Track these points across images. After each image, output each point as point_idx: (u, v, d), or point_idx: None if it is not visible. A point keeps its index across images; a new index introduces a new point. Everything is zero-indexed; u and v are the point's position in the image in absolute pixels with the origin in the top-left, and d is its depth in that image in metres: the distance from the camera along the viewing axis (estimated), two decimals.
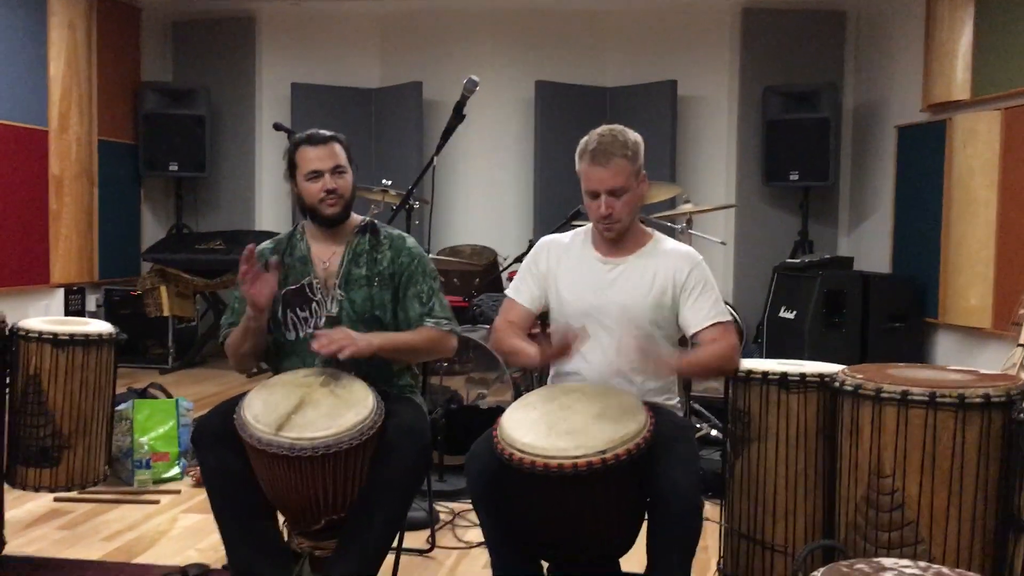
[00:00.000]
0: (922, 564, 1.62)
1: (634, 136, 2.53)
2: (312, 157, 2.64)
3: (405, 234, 2.79)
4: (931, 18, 5.59)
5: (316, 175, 2.64)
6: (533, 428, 2.22)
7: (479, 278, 5.71)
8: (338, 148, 2.68)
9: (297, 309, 2.68)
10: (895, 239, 6.12)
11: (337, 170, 2.66)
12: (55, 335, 3.05)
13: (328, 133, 2.69)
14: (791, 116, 6.54)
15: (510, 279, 3.41)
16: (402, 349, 2.63)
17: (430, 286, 2.70)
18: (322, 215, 2.67)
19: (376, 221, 2.81)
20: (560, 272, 2.61)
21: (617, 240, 2.57)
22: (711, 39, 7.05)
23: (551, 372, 2.68)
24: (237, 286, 2.75)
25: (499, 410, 2.42)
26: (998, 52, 5.00)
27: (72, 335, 3.08)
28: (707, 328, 2.48)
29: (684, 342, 2.63)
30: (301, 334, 2.67)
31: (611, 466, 2.11)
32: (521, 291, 2.67)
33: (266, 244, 2.80)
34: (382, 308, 2.67)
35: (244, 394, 2.48)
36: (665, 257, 2.56)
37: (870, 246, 6.56)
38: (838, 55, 6.88)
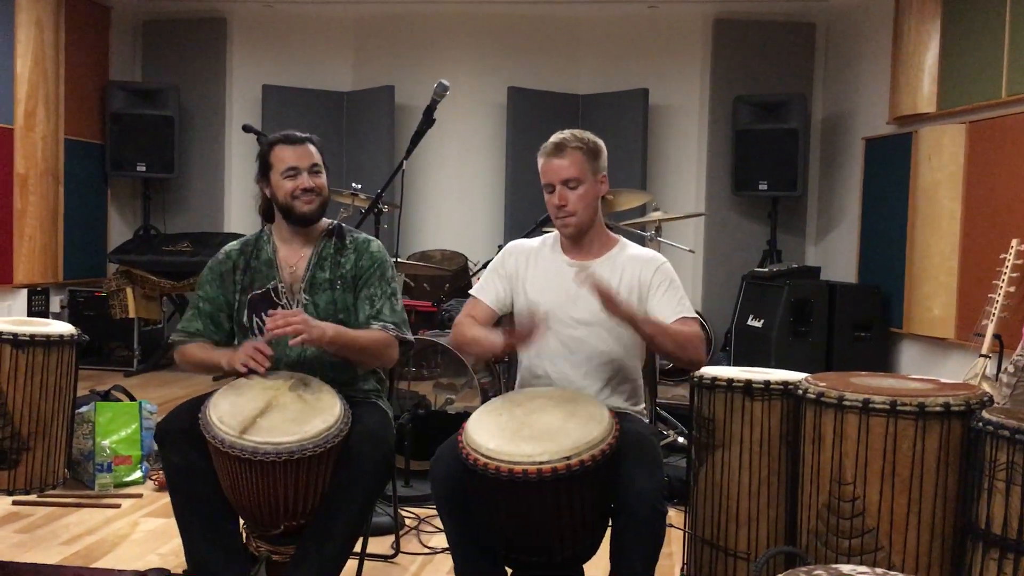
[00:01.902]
0: (879, 571, 1.64)
1: (594, 137, 2.59)
2: (289, 155, 2.65)
3: (371, 238, 2.78)
4: (898, 31, 5.67)
5: (294, 172, 2.64)
6: (498, 433, 2.22)
7: (449, 283, 5.70)
8: (313, 148, 2.69)
9: (263, 314, 2.65)
10: (861, 249, 6.19)
11: (314, 168, 2.67)
12: (15, 335, 3.00)
13: (303, 134, 2.70)
14: (760, 126, 6.60)
15: None
16: (352, 345, 2.59)
17: (383, 290, 2.67)
18: (297, 212, 2.66)
19: (344, 224, 2.80)
20: (528, 275, 2.63)
21: (578, 238, 2.60)
22: (683, 49, 7.11)
23: (517, 378, 2.69)
24: (201, 285, 2.73)
25: (466, 415, 2.41)
26: (964, 66, 5.08)
27: (32, 336, 3.04)
28: (676, 321, 2.50)
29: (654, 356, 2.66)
30: (266, 339, 2.65)
31: (576, 472, 2.11)
32: (486, 290, 2.67)
33: (233, 245, 2.78)
34: (345, 311, 2.66)
35: (212, 392, 2.46)
36: (630, 261, 2.59)
37: (837, 256, 6.63)
38: (807, 66, 6.95)
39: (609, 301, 2.34)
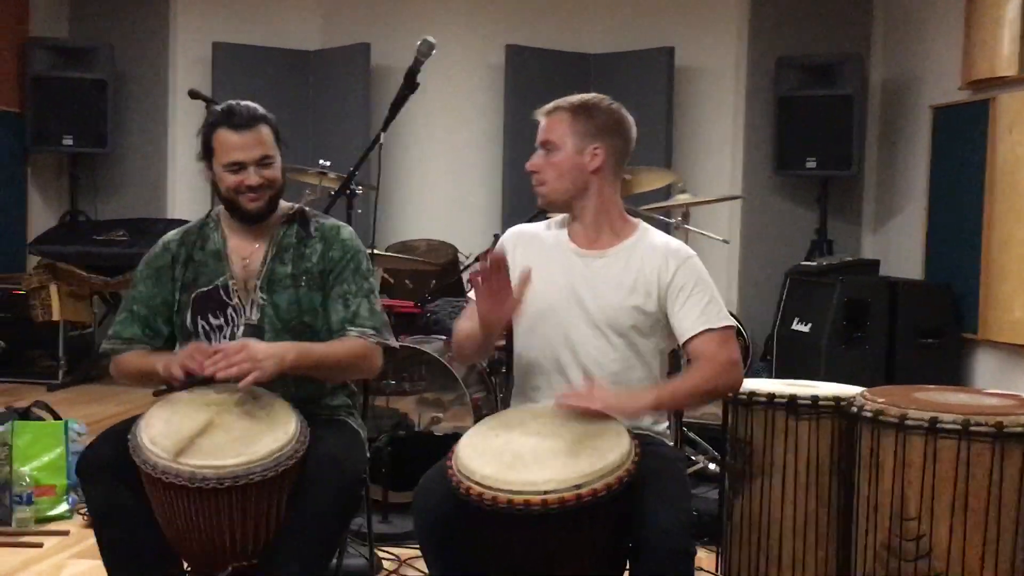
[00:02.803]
0: None
1: (611, 105, 2.61)
2: (234, 145, 2.60)
3: (341, 224, 2.78)
4: None
5: (238, 167, 2.61)
6: (495, 458, 2.23)
7: (436, 279, 5.70)
8: (265, 132, 2.63)
9: (210, 316, 2.65)
10: (929, 240, 6.19)
11: (264, 161, 2.63)
12: None
13: (253, 111, 2.63)
14: (808, 92, 6.59)
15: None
16: (322, 364, 2.59)
17: (359, 286, 2.68)
18: (243, 210, 2.66)
19: (307, 209, 2.80)
20: (528, 264, 2.63)
21: (548, 204, 2.64)
22: None
23: (512, 392, 2.69)
24: (135, 283, 2.73)
25: (456, 437, 2.42)
26: None
27: None
28: (698, 336, 2.50)
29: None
30: (215, 346, 2.65)
31: (587, 504, 2.12)
32: None
33: (172, 235, 2.77)
34: (312, 313, 2.66)
35: (142, 414, 2.45)
36: (650, 252, 2.59)
37: (899, 247, 6.63)
38: (865, 21, 6.95)
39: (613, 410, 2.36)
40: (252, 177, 2.61)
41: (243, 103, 2.65)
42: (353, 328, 2.63)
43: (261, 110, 2.66)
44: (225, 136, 2.60)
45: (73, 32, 7.42)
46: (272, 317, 2.65)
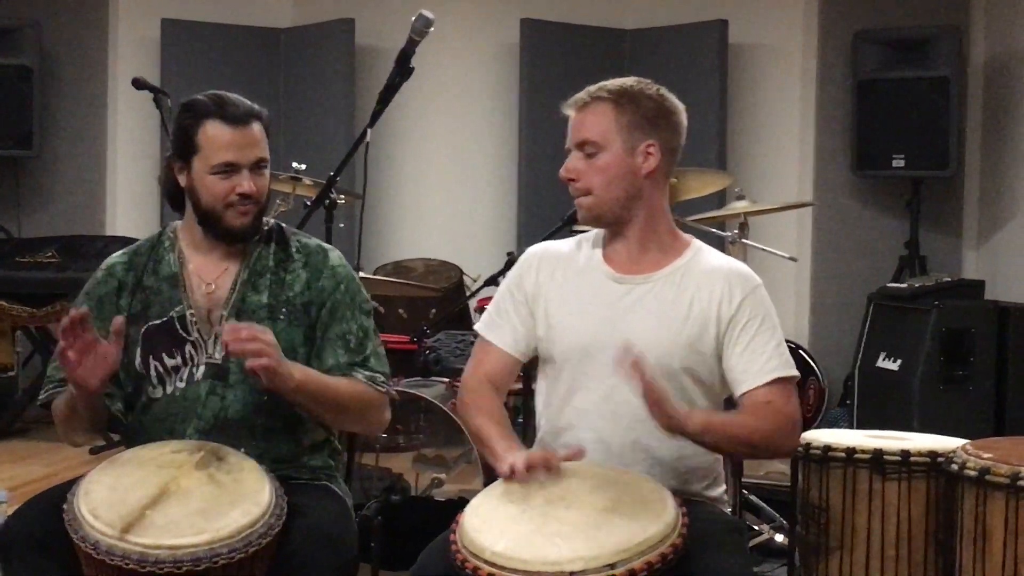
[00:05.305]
0: None
1: (659, 90, 2.62)
2: (227, 141, 2.63)
3: (327, 246, 2.80)
4: None
5: (230, 169, 2.63)
6: (510, 530, 2.23)
7: (436, 308, 5.72)
8: (259, 131, 2.68)
9: (164, 354, 2.67)
10: None
11: (259, 165, 2.68)
12: None
13: (248, 104, 2.68)
14: (894, 74, 6.58)
15: (481, 310, 3.43)
16: (325, 396, 2.60)
17: (361, 325, 2.71)
18: (226, 226, 2.68)
19: (284, 225, 2.82)
20: (553, 293, 2.64)
21: (614, 232, 2.62)
22: None
23: (535, 446, 2.69)
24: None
25: (462, 504, 2.42)
26: None
27: None
28: (764, 387, 2.50)
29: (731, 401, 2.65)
30: (169, 389, 2.66)
31: None
32: (499, 327, 2.69)
33: (116, 257, 2.79)
34: (290, 353, 2.65)
35: (81, 477, 2.46)
36: (707, 276, 2.59)
37: (1009, 265, 6.60)
38: None
39: (657, 404, 2.33)
40: (246, 183, 2.63)
41: (233, 97, 2.69)
42: (363, 372, 2.66)
43: (255, 106, 2.70)
44: (217, 130, 2.63)
45: None
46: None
